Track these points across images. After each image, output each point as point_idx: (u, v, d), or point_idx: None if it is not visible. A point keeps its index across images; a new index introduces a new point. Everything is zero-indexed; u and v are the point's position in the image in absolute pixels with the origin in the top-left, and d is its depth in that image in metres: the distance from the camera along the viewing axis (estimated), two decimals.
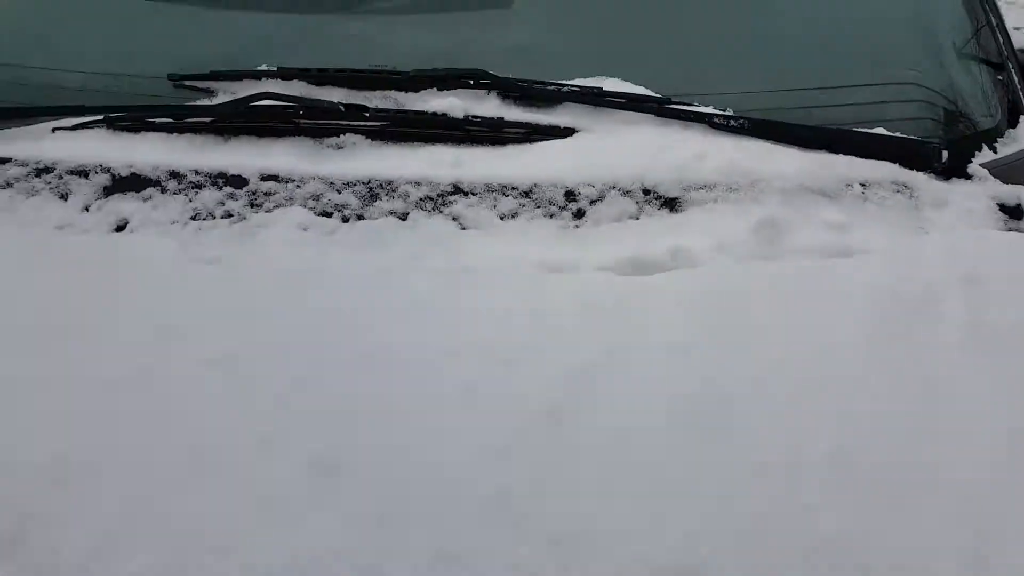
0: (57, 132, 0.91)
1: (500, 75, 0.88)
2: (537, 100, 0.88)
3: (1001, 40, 1.05)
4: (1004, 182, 0.88)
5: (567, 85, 0.88)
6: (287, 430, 0.60)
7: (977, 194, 0.86)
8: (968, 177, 0.88)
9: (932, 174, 0.86)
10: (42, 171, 0.87)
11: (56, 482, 0.58)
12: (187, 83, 0.93)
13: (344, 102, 0.87)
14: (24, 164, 0.88)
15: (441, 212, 0.80)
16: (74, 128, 0.91)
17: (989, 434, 0.62)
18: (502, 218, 0.79)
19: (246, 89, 0.89)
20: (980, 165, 0.90)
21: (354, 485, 0.57)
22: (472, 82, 0.87)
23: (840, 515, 0.56)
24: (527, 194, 0.81)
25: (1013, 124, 0.98)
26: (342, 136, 0.86)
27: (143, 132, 0.89)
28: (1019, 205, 0.86)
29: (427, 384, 0.64)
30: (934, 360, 0.67)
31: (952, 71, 1.01)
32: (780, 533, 0.55)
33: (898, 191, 0.84)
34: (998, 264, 0.76)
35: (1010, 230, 0.83)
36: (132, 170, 0.85)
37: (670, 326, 0.69)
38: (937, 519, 0.56)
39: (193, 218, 0.81)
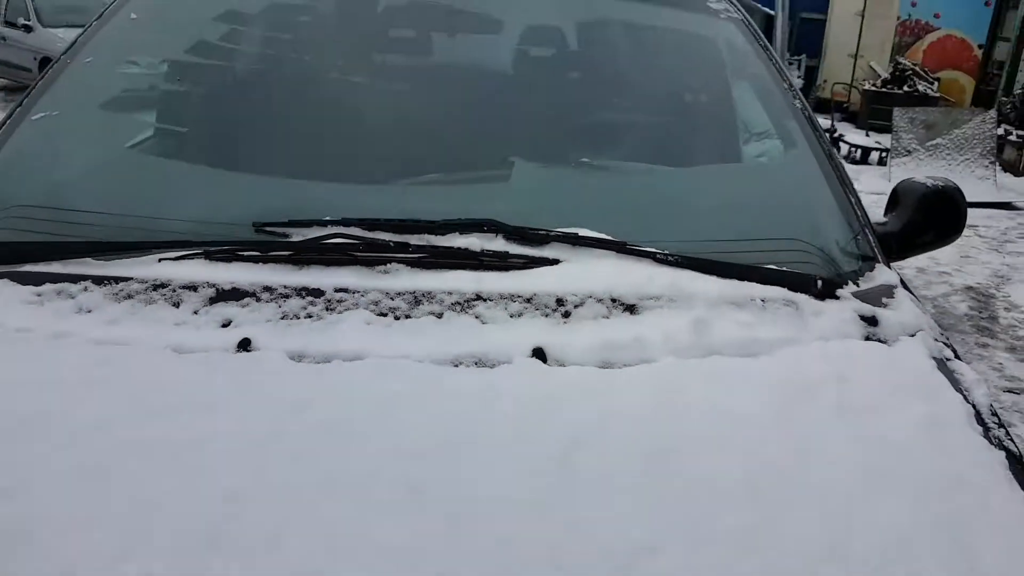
0: (163, 261, 1.19)
1: (505, 223, 1.22)
2: (532, 241, 1.21)
3: (859, 212, 1.47)
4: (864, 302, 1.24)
5: (553, 231, 1.23)
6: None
7: (844, 308, 1.21)
8: (837, 298, 1.24)
9: (811, 296, 1.22)
10: (158, 287, 1.14)
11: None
12: (267, 228, 1.23)
13: (392, 241, 1.19)
14: (143, 282, 1.15)
15: (467, 312, 1.10)
16: (177, 259, 1.19)
17: (846, 471, 0.91)
18: (511, 316, 1.10)
19: (314, 234, 1.21)
20: (849, 293, 1.26)
21: None
22: (485, 228, 1.21)
23: (738, 515, 0.83)
24: (528, 300, 1.12)
25: (870, 268, 1.36)
26: (389, 265, 1.17)
27: (235, 262, 1.18)
28: (873, 316, 1.21)
29: (468, 423, 0.92)
30: (811, 428, 0.97)
31: (826, 233, 1.40)
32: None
33: (787, 304, 1.18)
34: (858, 366, 1.09)
35: (867, 336, 1.18)
36: (233, 285, 1.13)
37: (634, 403, 0.98)
38: (800, 523, 0.84)
39: (283, 318, 1.08)
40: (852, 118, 12.63)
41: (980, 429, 1.01)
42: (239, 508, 0.79)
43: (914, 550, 0.81)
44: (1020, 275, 5.75)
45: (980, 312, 4.94)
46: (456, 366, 1.01)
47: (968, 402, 1.06)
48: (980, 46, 13.33)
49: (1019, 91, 11.08)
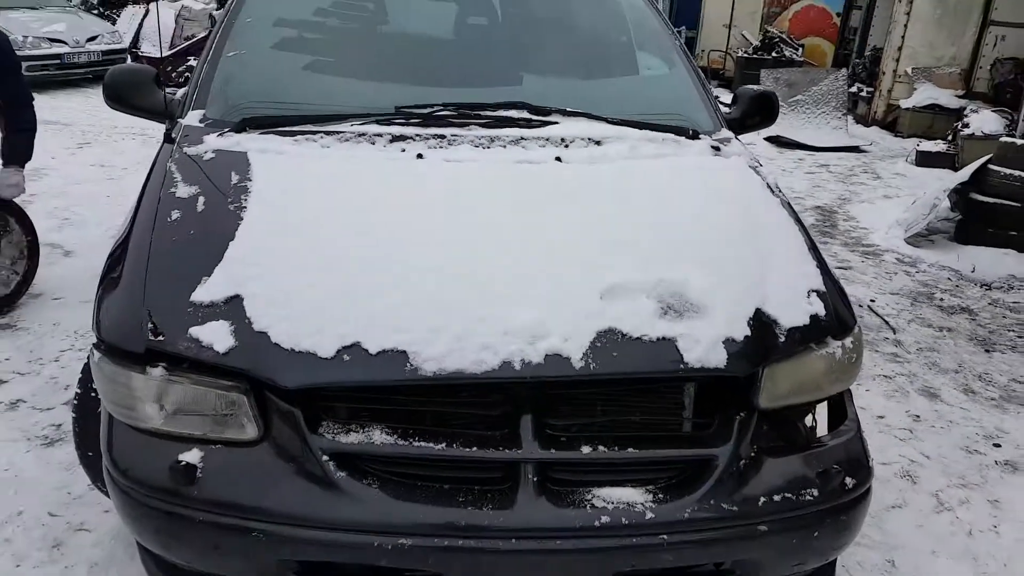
0: (354, 125, 2.16)
1: (529, 103, 2.29)
2: (542, 113, 2.28)
3: (714, 103, 2.62)
4: (713, 141, 2.40)
5: (553, 107, 2.30)
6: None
7: (704, 143, 2.36)
8: (700, 139, 2.39)
9: (687, 138, 2.37)
10: (361, 135, 2.08)
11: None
12: (403, 109, 2.25)
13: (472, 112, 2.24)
14: (351, 134, 2.11)
15: (518, 145, 2.15)
16: (363, 123, 2.17)
17: (703, 198, 2.04)
18: (539, 146, 2.15)
19: (426, 111, 2.24)
20: (707, 138, 2.41)
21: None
22: (519, 106, 2.28)
23: (647, 214, 1.96)
24: (547, 139, 2.17)
25: (719, 130, 2.52)
26: (471, 125, 2.21)
27: (393, 124, 2.18)
28: (718, 146, 2.36)
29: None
30: (688, 182, 2.10)
31: (696, 112, 2.54)
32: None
33: (675, 141, 2.33)
34: (710, 162, 2.24)
35: (715, 153, 2.33)
36: (400, 134, 2.13)
37: (603, 177, 2.05)
38: (677, 212, 1.98)
39: (430, 147, 2.10)
40: (728, 84, 14.16)
41: (772, 189, 2.17)
42: (428, 224, 1.80)
43: (733, 230, 1.95)
44: (858, 198, 7.26)
45: (824, 222, 6.38)
46: (518, 163, 2.07)
47: (765, 179, 2.22)
48: (838, 14, 15.08)
49: (869, 53, 12.85)
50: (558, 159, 2.10)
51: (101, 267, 1.84)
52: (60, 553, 2.17)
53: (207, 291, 1.61)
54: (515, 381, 1.52)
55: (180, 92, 2.46)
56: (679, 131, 2.37)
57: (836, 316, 1.81)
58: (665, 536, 1.52)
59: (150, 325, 1.58)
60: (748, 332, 1.65)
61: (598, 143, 2.22)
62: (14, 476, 2.50)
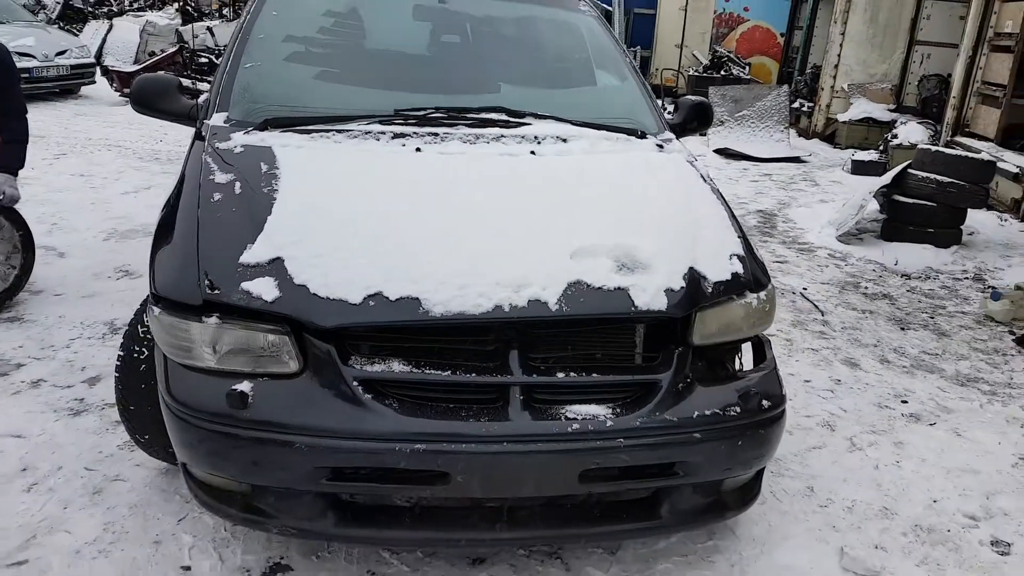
0: (361, 124, 2.58)
1: (507, 107, 2.73)
2: (518, 115, 2.72)
3: (659, 110, 3.09)
4: (658, 141, 2.87)
5: (527, 111, 2.75)
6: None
7: (650, 141, 2.83)
8: (647, 138, 2.85)
9: (636, 137, 2.83)
10: (367, 133, 2.50)
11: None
12: (401, 112, 2.66)
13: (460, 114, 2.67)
14: (358, 132, 2.51)
15: (499, 141, 2.58)
16: (368, 123, 2.58)
17: (644, 186, 2.49)
18: (517, 142, 2.59)
19: (421, 113, 2.66)
20: (652, 138, 2.88)
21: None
22: (499, 110, 2.72)
23: (603, 197, 2.41)
24: (523, 136, 2.62)
25: (663, 131, 2.99)
26: (459, 125, 2.64)
27: (394, 124, 2.59)
28: (662, 144, 2.83)
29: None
30: (636, 174, 2.55)
31: (643, 117, 3.01)
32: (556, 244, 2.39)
33: (626, 140, 2.79)
34: (655, 157, 2.70)
35: (659, 149, 2.79)
36: (400, 132, 2.54)
37: (568, 167, 2.49)
38: (625, 194, 2.43)
39: (426, 141, 2.51)
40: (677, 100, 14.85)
41: (704, 178, 2.64)
42: (430, 202, 2.23)
43: (672, 207, 2.40)
44: (797, 203, 7.87)
45: (765, 223, 6.95)
46: (500, 156, 2.50)
47: (699, 171, 2.69)
48: (782, 34, 15.98)
49: (809, 71, 13.66)
50: (532, 152, 2.54)
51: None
52: (101, 498, 2.51)
53: (253, 255, 2.00)
54: (504, 320, 1.93)
55: (202, 98, 2.83)
56: (630, 132, 2.84)
57: (752, 275, 2.27)
58: (622, 440, 1.94)
59: (207, 282, 1.96)
60: (683, 284, 2.10)
61: (564, 140, 2.66)
62: (49, 439, 2.82)
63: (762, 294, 2.26)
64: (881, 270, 5.71)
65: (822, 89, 11.82)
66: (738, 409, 2.08)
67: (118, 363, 2.42)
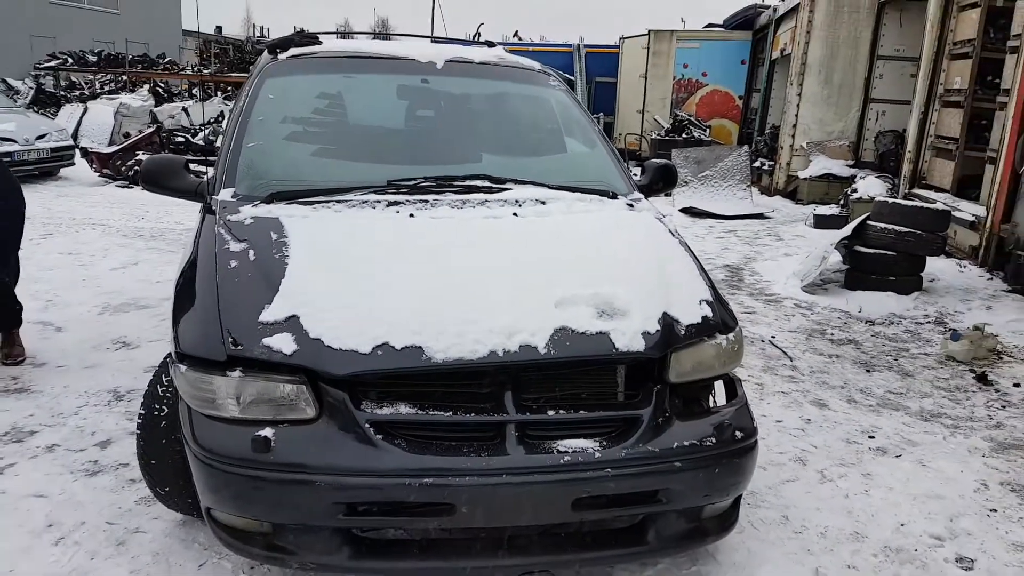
0: (358, 195, 2.84)
1: (490, 175, 3.02)
2: (499, 181, 3.01)
3: (627, 173, 3.40)
4: (628, 201, 3.16)
5: (507, 178, 3.03)
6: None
7: (621, 202, 3.12)
8: (617, 199, 3.14)
9: (608, 198, 3.12)
10: (364, 203, 2.77)
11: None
12: (393, 182, 2.93)
13: (447, 182, 2.95)
14: (356, 202, 2.77)
15: (483, 205, 2.84)
16: (364, 193, 2.84)
17: (619, 242, 2.77)
18: (500, 205, 2.85)
19: (412, 183, 2.94)
20: (623, 198, 3.17)
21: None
22: (483, 177, 3.00)
23: (581, 251, 2.68)
24: (505, 200, 2.89)
25: (632, 192, 3.28)
26: (447, 191, 2.91)
27: (387, 193, 2.86)
28: (632, 204, 3.12)
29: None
30: (609, 231, 2.82)
31: (614, 180, 3.31)
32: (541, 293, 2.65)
33: (599, 200, 3.08)
34: (625, 215, 2.99)
35: (630, 208, 3.08)
36: (394, 200, 2.80)
37: (547, 227, 2.75)
38: (604, 253, 2.70)
39: (418, 207, 2.76)
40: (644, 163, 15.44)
41: (672, 232, 2.92)
42: (425, 261, 2.47)
43: (645, 259, 2.66)
44: (762, 257, 8.24)
45: (732, 277, 7.28)
46: (486, 218, 2.76)
47: (667, 226, 2.97)
48: (740, 97, 16.78)
49: (768, 131, 14.34)
50: (515, 214, 2.80)
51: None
52: (125, 548, 2.65)
53: (271, 313, 2.21)
54: (499, 364, 2.16)
55: (208, 175, 3.08)
56: (603, 193, 3.13)
57: (721, 319, 2.53)
58: (609, 470, 2.15)
59: (230, 339, 2.17)
60: (658, 327, 2.35)
61: (543, 203, 2.94)
62: (70, 497, 2.96)
63: (731, 335, 2.51)
64: (846, 317, 6.02)
65: (782, 148, 12.43)
66: (714, 440, 2.30)
67: (139, 421, 2.59)
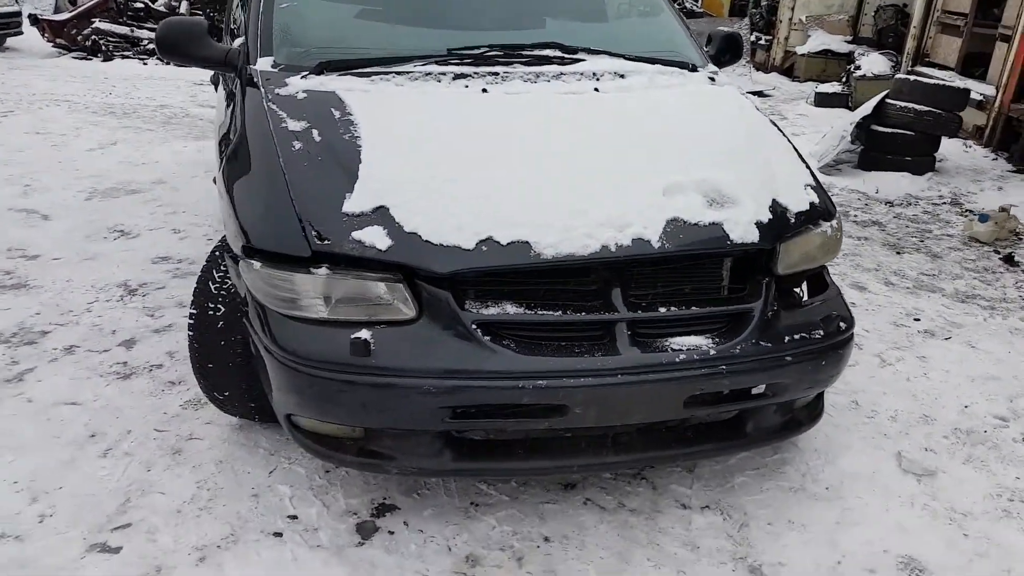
0: (417, 65, 2.52)
1: (561, 43, 2.71)
2: (571, 51, 2.70)
3: (698, 44, 3.11)
4: (708, 74, 2.90)
5: (580, 47, 2.73)
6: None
7: (702, 75, 2.86)
8: (698, 71, 2.88)
9: (689, 71, 2.85)
10: (428, 75, 2.46)
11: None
12: (454, 51, 2.61)
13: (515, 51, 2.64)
14: (419, 74, 2.47)
15: (558, 79, 2.56)
16: (425, 63, 2.53)
17: (705, 119, 2.54)
18: (576, 79, 2.58)
19: (476, 52, 2.62)
20: (702, 71, 2.90)
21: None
22: (553, 45, 2.70)
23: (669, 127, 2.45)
24: (581, 73, 2.61)
25: (706, 65, 3.01)
26: (516, 63, 2.61)
27: (451, 64, 2.55)
28: (712, 77, 2.86)
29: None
30: (695, 105, 2.58)
31: (689, 52, 3.02)
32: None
33: (680, 73, 2.81)
34: (709, 89, 2.74)
35: (711, 81, 2.83)
36: (460, 72, 2.50)
37: (632, 103, 2.51)
38: (688, 126, 2.47)
39: (490, 81, 2.47)
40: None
41: (758, 109, 2.69)
42: (512, 144, 2.21)
43: (743, 141, 2.45)
44: None
45: None
46: (566, 94, 2.49)
47: (752, 102, 2.73)
48: None
49: (764, 3, 13.72)
50: (596, 89, 2.53)
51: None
52: (182, 458, 2.48)
53: (355, 204, 1.97)
54: (612, 260, 1.97)
55: (237, 42, 2.72)
56: (682, 65, 2.86)
57: (824, 205, 2.35)
58: (724, 366, 2.02)
59: (314, 233, 1.93)
60: (770, 216, 2.17)
61: (622, 76, 2.66)
62: (105, 404, 2.76)
63: (833, 223, 2.34)
64: (865, 199, 5.91)
65: (780, 22, 11.93)
66: (821, 332, 2.18)
67: (191, 321, 2.37)
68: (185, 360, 2.74)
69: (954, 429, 2.84)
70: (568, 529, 2.22)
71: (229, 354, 2.32)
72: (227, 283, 2.31)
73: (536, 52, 2.68)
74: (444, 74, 2.50)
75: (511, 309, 1.97)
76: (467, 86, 2.45)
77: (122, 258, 4.14)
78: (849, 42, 11.13)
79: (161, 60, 2.85)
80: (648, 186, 2.12)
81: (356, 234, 1.92)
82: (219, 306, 2.32)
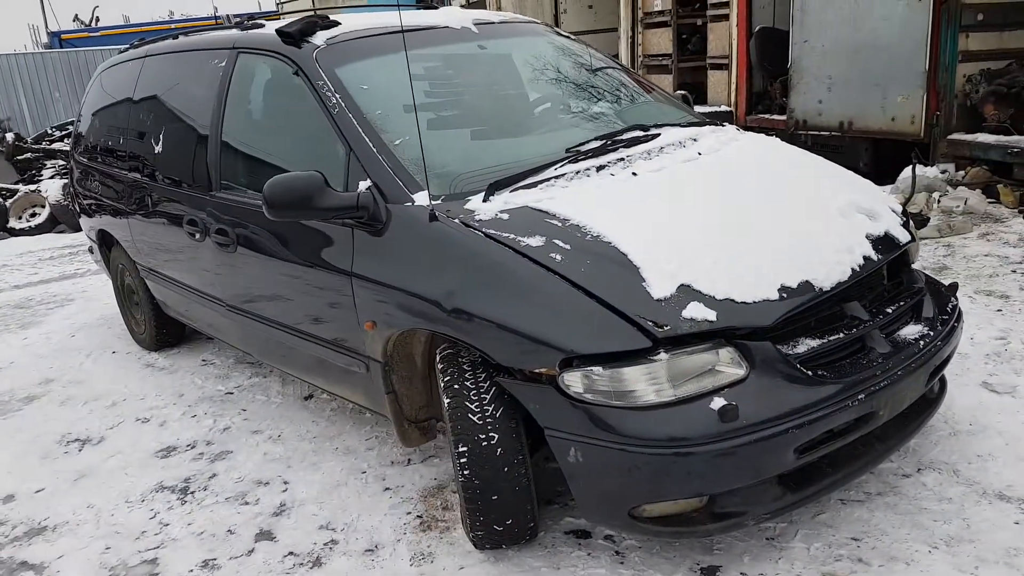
0: (557, 168, 2.67)
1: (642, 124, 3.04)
2: (645, 130, 3.04)
3: None
4: None
5: (651, 125, 3.09)
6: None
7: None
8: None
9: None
10: (560, 176, 2.65)
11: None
12: (571, 149, 2.80)
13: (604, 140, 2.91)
14: (569, 174, 2.64)
15: (663, 152, 2.88)
16: (561, 165, 2.70)
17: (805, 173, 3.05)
18: (662, 149, 2.90)
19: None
20: None
21: None
22: (632, 129, 3.01)
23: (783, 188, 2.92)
24: (671, 145, 2.94)
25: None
26: (621, 150, 2.87)
27: (580, 160, 2.73)
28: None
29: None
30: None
31: None
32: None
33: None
34: (760, 140, 3.24)
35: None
36: (583, 169, 2.68)
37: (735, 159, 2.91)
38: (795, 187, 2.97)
39: (621, 168, 2.70)
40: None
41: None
42: (712, 208, 2.49)
43: (828, 170, 2.96)
44: None
45: None
46: (686, 162, 2.76)
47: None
48: None
49: None
50: (699, 154, 2.89)
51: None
52: None
53: (661, 289, 2.12)
54: (861, 278, 2.37)
55: (363, 185, 2.61)
56: (702, 123, 3.35)
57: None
58: (939, 343, 2.48)
59: (650, 322, 2.05)
60: (900, 220, 2.72)
61: (695, 140, 3.04)
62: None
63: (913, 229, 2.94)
64: None
65: None
66: (950, 307, 2.74)
67: (463, 460, 2.29)
68: None
69: None
70: (857, 529, 2.48)
71: (516, 478, 2.32)
72: (490, 410, 2.28)
73: (626, 136, 2.97)
74: (588, 169, 2.69)
75: (811, 342, 2.25)
76: (613, 174, 2.66)
77: (112, 467, 3.55)
78: None
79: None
80: (830, 214, 2.54)
81: (685, 312, 2.07)
82: (493, 434, 2.27)
